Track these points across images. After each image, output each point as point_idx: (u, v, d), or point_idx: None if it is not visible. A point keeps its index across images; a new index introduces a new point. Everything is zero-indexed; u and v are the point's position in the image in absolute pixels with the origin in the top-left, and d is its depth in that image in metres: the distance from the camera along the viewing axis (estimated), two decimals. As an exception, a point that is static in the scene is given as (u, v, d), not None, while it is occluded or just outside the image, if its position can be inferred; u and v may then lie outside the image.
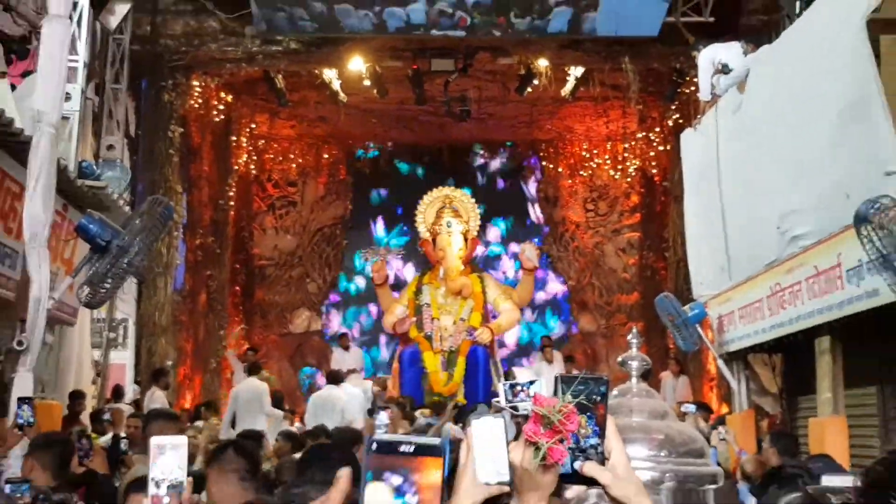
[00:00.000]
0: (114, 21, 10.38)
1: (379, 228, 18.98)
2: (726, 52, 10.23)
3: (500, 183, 19.36)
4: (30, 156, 6.84)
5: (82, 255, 7.15)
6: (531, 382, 4.22)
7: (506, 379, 4.21)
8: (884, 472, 1.35)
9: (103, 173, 11.16)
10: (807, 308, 8.66)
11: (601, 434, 1.88)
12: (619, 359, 5.22)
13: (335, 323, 18.71)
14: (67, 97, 10.68)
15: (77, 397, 10.61)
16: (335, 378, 12.82)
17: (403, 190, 18.58)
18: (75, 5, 10.31)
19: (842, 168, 7.79)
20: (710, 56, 10.38)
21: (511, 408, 4.19)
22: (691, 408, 10.24)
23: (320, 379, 15.95)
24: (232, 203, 17.34)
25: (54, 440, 5.42)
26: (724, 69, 10.07)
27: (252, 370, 13.12)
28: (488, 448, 1.95)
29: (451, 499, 1.94)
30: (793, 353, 10.16)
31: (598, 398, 1.91)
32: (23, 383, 6.76)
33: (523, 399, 4.11)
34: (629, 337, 5.21)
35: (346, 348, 16.57)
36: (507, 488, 1.97)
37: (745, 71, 9.80)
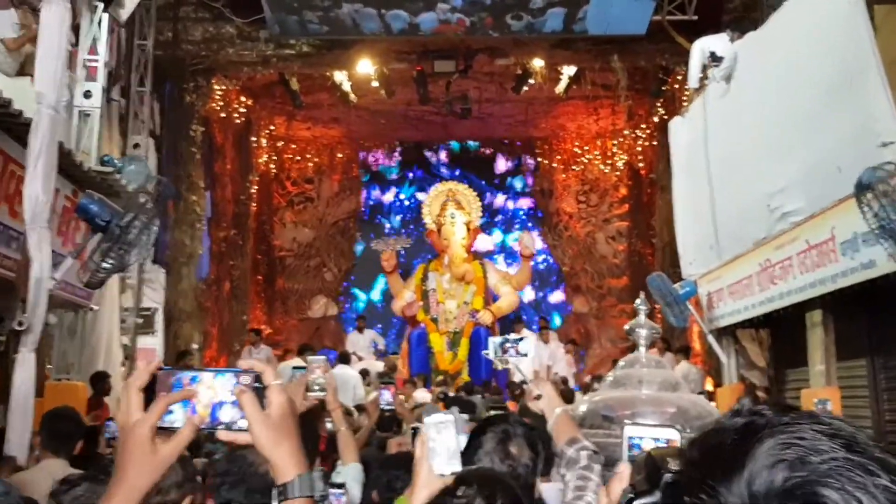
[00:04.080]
0: (124, 14, 9.57)
1: (389, 221, 18.20)
2: (715, 41, 9.39)
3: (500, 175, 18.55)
4: (30, 137, 6.05)
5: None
6: (520, 339, 3.65)
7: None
8: (698, 458, 0.85)
9: (125, 167, 10.38)
10: (798, 283, 7.81)
11: None
12: (627, 326, 4.47)
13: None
14: (88, 94, 10.02)
15: (100, 379, 9.80)
16: (345, 358, 12.24)
17: (410, 185, 18.00)
18: (95, 7, 9.65)
19: (832, 142, 6.95)
20: (700, 46, 9.55)
21: (499, 360, 3.57)
22: None
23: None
24: (254, 199, 16.73)
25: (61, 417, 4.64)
26: (713, 57, 9.21)
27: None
28: (442, 441, 1.92)
29: (410, 490, 1.93)
30: (781, 327, 9.32)
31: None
32: (25, 363, 5.96)
33: (512, 354, 3.52)
34: (636, 303, 4.43)
35: (361, 330, 16.08)
36: None
37: (734, 57, 8.95)
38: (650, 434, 1.59)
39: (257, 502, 2.04)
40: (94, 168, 8.13)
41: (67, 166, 6.95)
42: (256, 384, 1.35)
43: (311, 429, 4.35)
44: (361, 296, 18.27)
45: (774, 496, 0.75)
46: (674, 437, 1.57)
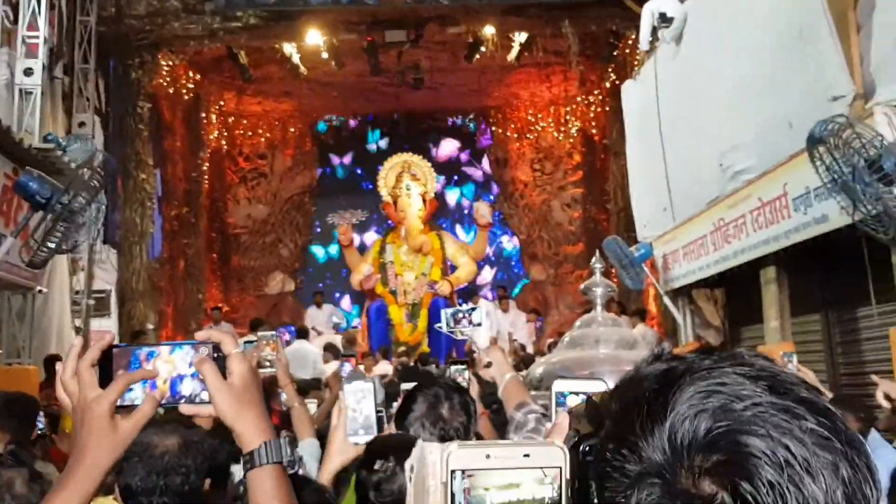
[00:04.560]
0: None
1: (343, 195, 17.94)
2: (665, 2, 9.29)
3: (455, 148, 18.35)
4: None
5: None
6: (472, 309, 3.56)
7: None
8: (618, 411, 0.79)
9: (69, 145, 10.06)
10: (751, 240, 7.79)
11: None
12: (582, 286, 4.37)
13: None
14: (29, 72, 9.69)
15: (52, 362, 9.54)
16: (303, 333, 12.10)
17: (364, 158, 17.77)
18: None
19: (783, 98, 6.90)
20: (650, 7, 9.46)
21: (451, 332, 3.48)
22: None
23: (287, 336, 15.24)
24: (206, 176, 16.39)
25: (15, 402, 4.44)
26: (664, 18, 9.12)
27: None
28: (359, 410, 1.87)
29: (323, 457, 1.95)
30: (735, 285, 9.33)
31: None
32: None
33: (465, 325, 3.43)
34: (592, 262, 4.34)
35: (319, 305, 15.92)
36: None
37: (684, 17, 8.86)
38: (577, 388, 1.54)
39: (155, 483, 1.96)
40: (35, 146, 7.83)
41: (7, 144, 6.67)
42: (216, 354, 1.32)
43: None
44: (320, 252, 17.93)
45: (697, 448, 0.70)
46: (601, 389, 1.51)
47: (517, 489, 0.80)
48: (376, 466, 1.98)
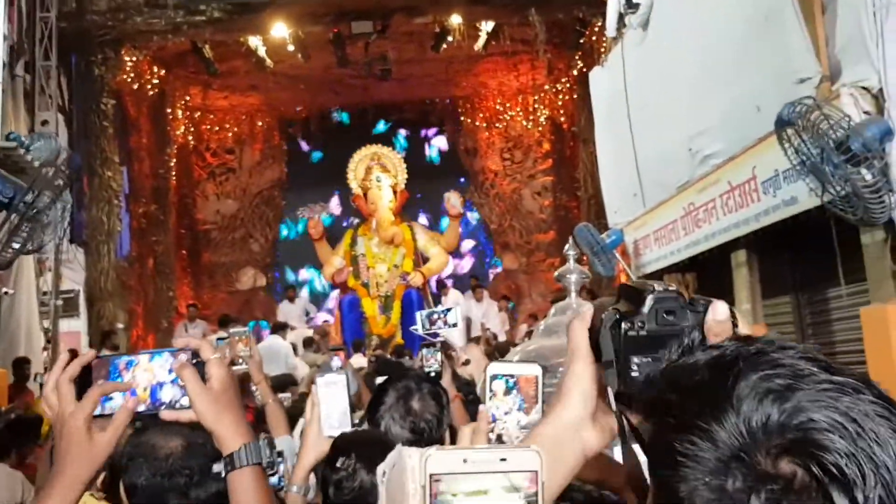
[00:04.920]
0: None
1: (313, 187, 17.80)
2: (630, -13, 9.27)
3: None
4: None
5: None
6: (447, 310, 3.53)
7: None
8: (678, 399, 0.79)
9: (32, 144, 9.87)
10: (722, 224, 7.80)
11: None
12: (556, 273, 4.33)
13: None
14: (-13, 70, 9.48)
15: (21, 364, 9.39)
16: (278, 328, 12.02)
17: (334, 150, 17.65)
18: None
19: (750, 82, 6.90)
20: (615, -8, 9.44)
21: (428, 335, 3.44)
22: None
23: (263, 332, 15.20)
24: (173, 172, 16.19)
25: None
26: (630, 4, 9.10)
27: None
28: (332, 403, 1.85)
29: (299, 451, 1.91)
30: (706, 270, 9.35)
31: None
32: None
33: (440, 326, 3.39)
34: (565, 248, 4.29)
35: (292, 300, 15.84)
36: None
37: (650, 3, 8.85)
38: (512, 370, 1.53)
39: (159, 484, 1.99)
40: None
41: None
42: (195, 360, 1.36)
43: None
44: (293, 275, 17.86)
45: (772, 429, 0.72)
46: (536, 371, 1.51)
47: (485, 495, 0.77)
48: (338, 464, 1.94)
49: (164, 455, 2.02)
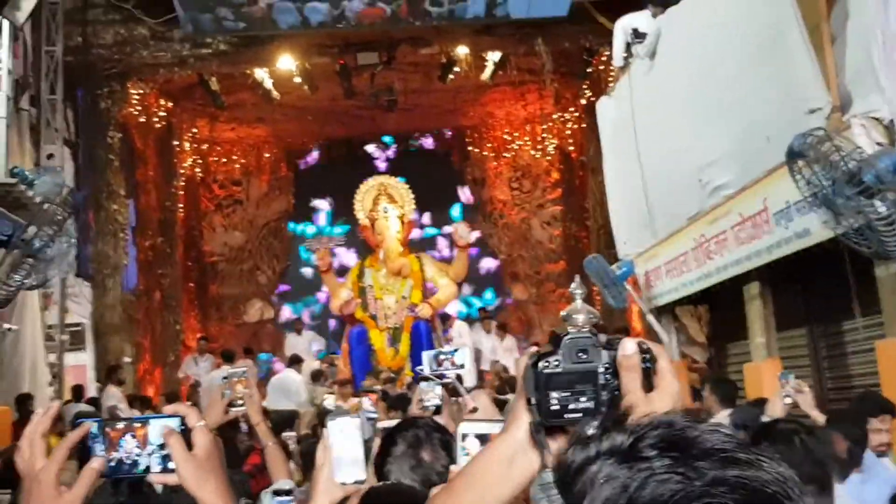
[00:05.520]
0: (21, 16, 9.07)
1: (321, 219, 17.74)
2: (637, 18, 9.27)
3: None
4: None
5: None
6: (454, 351, 3.43)
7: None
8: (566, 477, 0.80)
9: (37, 179, 9.87)
10: (734, 256, 7.71)
11: None
12: (563, 313, 4.24)
13: (286, 311, 17.56)
14: (-9, 105, 9.49)
15: (24, 401, 9.32)
16: (294, 361, 11.98)
17: (341, 181, 17.63)
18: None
19: (759, 112, 6.85)
20: (623, 24, 9.43)
21: (436, 375, 3.34)
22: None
23: (277, 364, 15.12)
24: (180, 205, 16.20)
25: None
26: (636, 34, 9.08)
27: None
28: (345, 448, 1.83)
29: (309, 498, 1.89)
30: (719, 302, 9.25)
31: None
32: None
33: (448, 367, 3.30)
34: (572, 287, 4.18)
35: (299, 332, 15.77)
36: (363, 487, 1.90)
37: (657, 32, 8.82)
38: (484, 429, 1.63)
39: None
40: (-1, 181, 7.67)
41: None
42: (182, 427, 1.45)
43: (227, 443, 4.05)
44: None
45: None
46: (495, 430, 1.53)
47: None
48: None
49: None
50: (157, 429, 1.45)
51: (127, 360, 12.77)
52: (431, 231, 17.52)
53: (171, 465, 1.44)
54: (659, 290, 9.75)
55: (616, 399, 1.02)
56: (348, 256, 16.66)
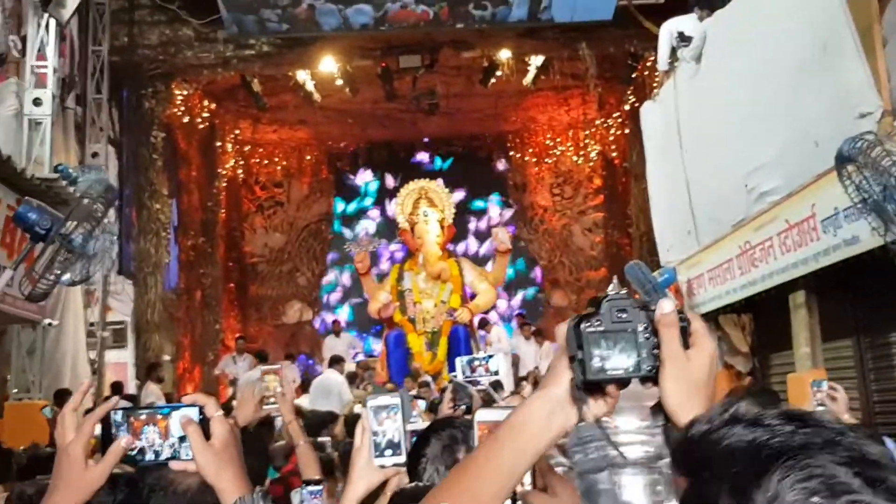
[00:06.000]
0: (65, 14, 9.18)
1: (361, 222, 17.79)
2: (683, 22, 9.15)
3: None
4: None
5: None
6: (488, 357, 3.38)
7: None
8: (704, 479, 0.84)
9: (80, 176, 10.00)
10: (780, 263, 7.54)
11: None
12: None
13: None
14: (38, 102, 9.65)
15: (62, 396, 9.42)
16: (335, 361, 12.05)
17: (383, 184, 17.67)
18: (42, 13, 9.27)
19: (808, 117, 6.69)
20: (669, 28, 9.31)
21: (469, 382, 3.29)
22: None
23: (318, 366, 15.18)
24: (222, 205, 16.35)
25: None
26: (682, 37, 8.95)
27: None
28: (384, 429, 1.76)
29: (346, 481, 1.82)
30: (763, 311, 9.05)
31: None
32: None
33: (482, 374, 3.25)
34: (609, 289, 4.14)
35: (338, 334, 15.76)
36: (403, 469, 1.83)
37: (703, 36, 8.68)
38: (502, 417, 1.52)
39: None
40: (38, 176, 7.74)
41: (8, 174, 6.58)
42: (201, 416, 1.48)
43: (259, 444, 4.02)
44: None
45: None
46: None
47: None
48: None
49: (183, 490, 1.95)
50: (177, 420, 1.48)
51: (166, 358, 12.88)
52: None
53: (189, 454, 1.48)
54: (701, 298, 9.58)
55: (656, 356, 1.07)
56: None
